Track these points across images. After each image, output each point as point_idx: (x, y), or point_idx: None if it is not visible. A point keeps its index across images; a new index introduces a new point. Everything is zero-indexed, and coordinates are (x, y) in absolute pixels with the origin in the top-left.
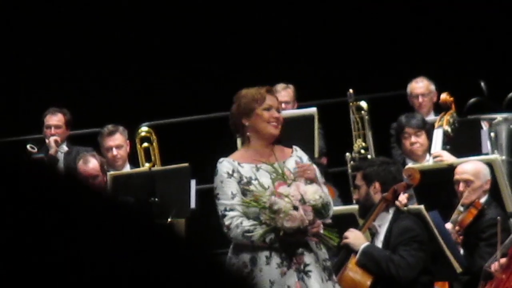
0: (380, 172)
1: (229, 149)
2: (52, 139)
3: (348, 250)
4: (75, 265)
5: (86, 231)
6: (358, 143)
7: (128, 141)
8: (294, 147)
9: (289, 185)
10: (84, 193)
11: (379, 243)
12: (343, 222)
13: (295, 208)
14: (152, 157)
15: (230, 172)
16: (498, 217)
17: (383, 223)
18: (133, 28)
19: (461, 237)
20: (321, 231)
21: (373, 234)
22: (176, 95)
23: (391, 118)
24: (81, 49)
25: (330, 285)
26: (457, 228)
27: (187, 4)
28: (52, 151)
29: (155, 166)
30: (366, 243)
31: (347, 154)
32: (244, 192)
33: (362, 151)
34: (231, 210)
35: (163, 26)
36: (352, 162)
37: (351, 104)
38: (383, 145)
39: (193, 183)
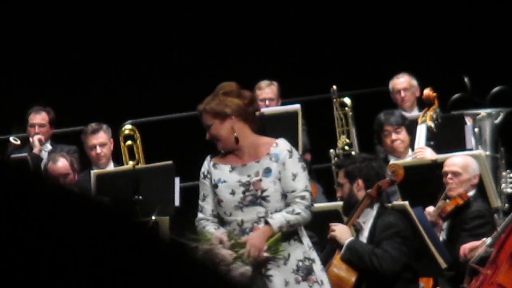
0: (363, 168)
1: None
2: (36, 138)
3: (333, 246)
4: (56, 266)
5: (67, 232)
6: (342, 140)
7: (111, 139)
8: (276, 141)
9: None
10: (62, 193)
11: (363, 239)
12: (328, 219)
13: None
14: (136, 155)
15: (205, 173)
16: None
17: (367, 219)
18: (116, 26)
19: (441, 221)
20: (264, 254)
21: (358, 230)
22: (159, 92)
23: (375, 114)
24: (64, 48)
25: (305, 285)
26: (439, 211)
27: (170, 2)
28: (35, 150)
29: (139, 164)
30: (351, 238)
31: (331, 150)
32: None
33: (346, 147)
34: (201, 211)
35: (146, 24)
36: (336, 158)
37: (334, 100)
38: (367, 141)
39: (177, 180)
